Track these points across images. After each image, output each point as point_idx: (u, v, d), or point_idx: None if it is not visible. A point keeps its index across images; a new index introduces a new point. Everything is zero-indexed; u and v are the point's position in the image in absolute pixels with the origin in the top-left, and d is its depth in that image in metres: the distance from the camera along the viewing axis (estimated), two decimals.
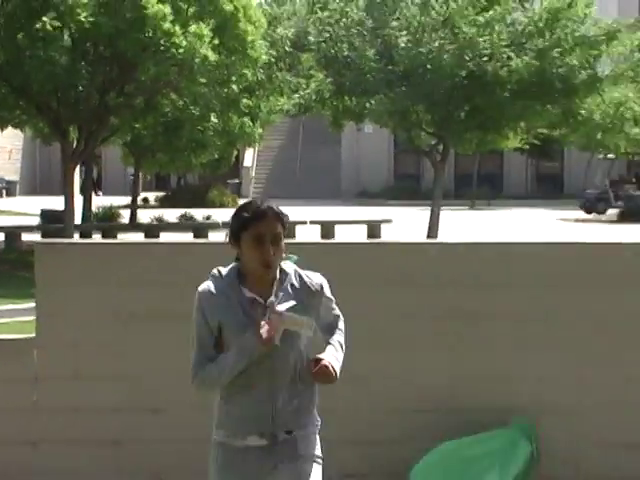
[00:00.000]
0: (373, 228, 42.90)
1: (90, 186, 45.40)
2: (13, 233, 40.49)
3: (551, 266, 10.36)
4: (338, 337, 6.23)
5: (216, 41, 32.93)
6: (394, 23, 37.76)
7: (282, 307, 5.92)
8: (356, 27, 38.19)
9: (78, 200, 41.21)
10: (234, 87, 36.83)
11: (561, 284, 9.85)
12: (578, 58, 37.31)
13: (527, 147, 58.34)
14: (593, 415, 10.19)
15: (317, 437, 6.28)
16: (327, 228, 42.15)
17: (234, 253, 6.05)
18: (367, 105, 38.66)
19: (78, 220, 40.22)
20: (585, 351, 10.16)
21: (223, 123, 40.92)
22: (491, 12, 37.38)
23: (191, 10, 33.19)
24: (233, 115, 40.68)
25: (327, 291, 6.14)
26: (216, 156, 48.58)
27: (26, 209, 57.76)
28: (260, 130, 45.12)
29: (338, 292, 6.40)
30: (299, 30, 40.97)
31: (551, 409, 10.24)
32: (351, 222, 45.24)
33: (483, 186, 73.79)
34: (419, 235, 38.74)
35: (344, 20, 38.38)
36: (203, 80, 34.79)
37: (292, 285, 6.01)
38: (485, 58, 36.73)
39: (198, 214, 52.01)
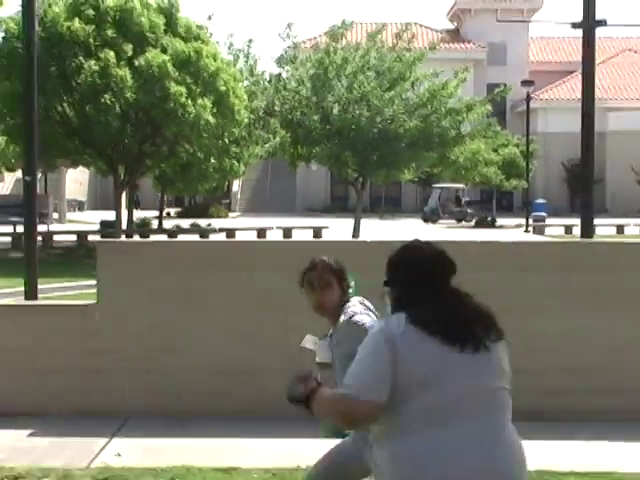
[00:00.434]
0: (317, 232, 46.00)
1: (132, 204, 45.91)
2: (82, 235, 43.81)
3: None
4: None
5: (214, 110, 37.70)
6: (330, 98, 42.67)
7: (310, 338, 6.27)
8: (305, 101, 43.33)
9: (124, 213, 43.47)
10: (226, 140, 41.34)
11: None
12: (449, 122, 43.36)
13: (417, 179, 60.10)
14: None
15: None
16: (287, 231, 45.60)
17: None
18: (313, 151, 44.36)
19: (124, 226, 42.30)
20: None
21: (219, 164, 44.12)
22: (392, 92, 42.83)
23: (198, 90, 37.27)
24: (225, 159, 44.11)
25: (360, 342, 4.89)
26: (214, 185, 50.92)
27: (91, 219, 60.17)
28: (243, 168, 48.25)
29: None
30: (268, 102, 44.59)
31: None
32: (302, 227, 48.47)
33: (388, 204, 78.30)
34: (347, 236, 41.21)
35: (297, 96, 43.52)
36: (206, 135, 39.16)
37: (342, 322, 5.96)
38: (389, 121, 42.35)
39: (202, 223, 54.66)
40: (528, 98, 59.09)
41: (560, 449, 9.65)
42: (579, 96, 17.80)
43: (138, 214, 51.19)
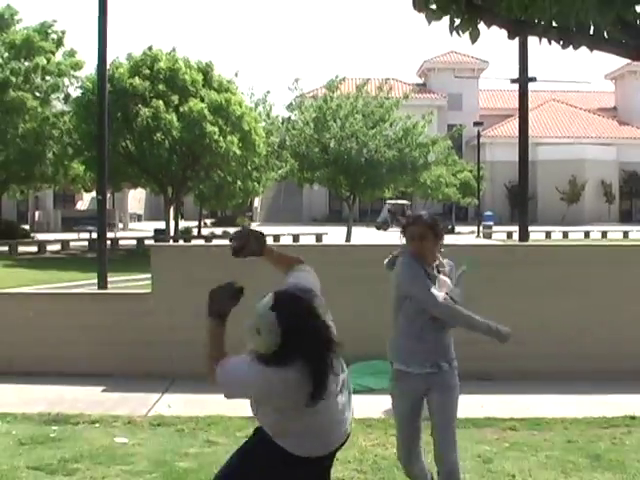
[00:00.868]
0: (318, 237, 45.63)
1: (178, 216, 44.96)
2: (140, 240, 42.52)
3: None
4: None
5: (240, 144, 38.03)
6: (327, 135, 42.55)
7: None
8: (309, 138, 43.25)
9: (172, 223, 42.84)
10: (249, 167, 41.69)
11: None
12: (418, 153, 43.51)
13: (395, 196, 56.79)
14: None
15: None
16: (295, 237, 44.81)
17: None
18: (315, 175, 44.79)
19: (172, 233, 42.13)
20: None
21: (244, 185, 43.91)
22: (375, 130, 42.80)
23: (228, 129, 37.56)
24: (248, 181, 43.92)
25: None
26: (240, 201, 49.99)
27: (147, 228, 58.54)
28: (262, 188, 48.28)
29: None
30: (281, 139, 44.50)
31: None
32: (307, 234, 47.62)
33: (374, 215, 72.46)
34: (341, 240, 39.96)
35: (303, 134, 43.46)
36: (233, 164, 39.66)
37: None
38: (373, 152, 42.09)
39: (231, 230, 46.80)
40: (478, 135, 59.16)
41: (502, 401, 9.67)
42: (517, 134, 17.82)
43: (182, 224, 50.22)
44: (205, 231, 54.05)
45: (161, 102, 36.58)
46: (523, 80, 17.62)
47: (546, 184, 77.25)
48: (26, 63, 41.83)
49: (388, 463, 7.42)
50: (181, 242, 38.61)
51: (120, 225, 62.53)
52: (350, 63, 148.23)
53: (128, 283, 22.49)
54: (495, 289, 10.74)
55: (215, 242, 39.60)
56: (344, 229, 45.43)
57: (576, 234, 52.64)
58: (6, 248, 38.95)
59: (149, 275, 11.64)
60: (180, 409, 9.44)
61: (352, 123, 42.58)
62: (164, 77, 37.95)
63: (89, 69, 44.86)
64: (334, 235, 46.40)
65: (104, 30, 16.97)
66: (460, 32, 5.28)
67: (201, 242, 40.64)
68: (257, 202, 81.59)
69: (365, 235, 49.80)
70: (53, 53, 43.07)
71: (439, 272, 5.80)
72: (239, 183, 43.77)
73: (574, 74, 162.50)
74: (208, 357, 4.52)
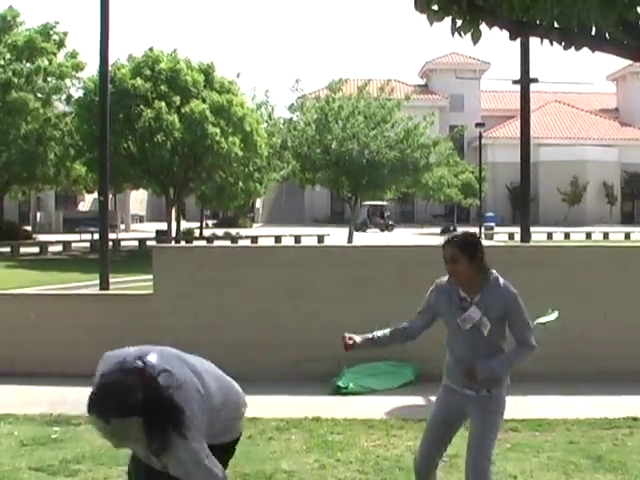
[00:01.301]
0: (320, 238, 46.70)
1: (179, 217, 45.25)
2: (142, 241, 43.79)
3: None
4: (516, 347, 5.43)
5: (242, 145, 38.33)
6: (329, 136, 41.66)
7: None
8: (311, 139, 42.26)
9: (174, 224, 42.83)
10: (251, 168, 42.09)
11: None
12: (420, 154, 42.67)
13: (396, 197, 57.65)
14: None
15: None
16: (297, 238, 45.94)
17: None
18: (317, 176, 43.91)
19: (173, 234, 42.09)
20: None
21: (245, 186, 44.62)
22: (376, 131, 41.72)
23: (229, 130, 37.79)
24: (250, 182, 44.60)
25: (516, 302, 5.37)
26: (242, 202, 50.45)
27: (149, 229, 59.26)
28: (264, 189, 49.18)
29: None
30: (283, 139, 43.61)
31: None
32: (309, 235, 48.68)
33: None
34: (343, 242, 40.26)
35: (305, 135, 42.45)
36: (235, 165, 40.01)
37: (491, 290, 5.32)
38: (374, 153, 41.29)
39: (233, 231, 53.96)
40: (480, 136, 58.89)
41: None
42: (518, 135, 17.76)
43: (184, 225, 50.74)
44: (207, 232, 54.13)
45: (163, 103, 36.78)
46: (525, 81, 17.57)
47: (548, 185, 77.26)
48: (28, 65, 42.14)
49: (390, 464, 7.41)
50: (183, 243, 38.59)
51: (122, 226, 62.54)
52: (352, 64, 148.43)
53: (130, 284, 22.46)
54: None
55: (217, 243, 40.71)
56: (346, 230, 45.38)
57: (578, 235, 52.71)
58: (8, 249, 39.06)
59: (151, 276, 11.62)
60: None
61: (354, 124, 42.22)
62: (166, 78, 38.21)
63: (91, 70, 45.90)
64: (336, 236, 46.37)
65: (106, 31, 16.95)
66: (462, 33, 5.30)
67: (203, 243, 40.91)
68: (259, 203, 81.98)
69: (367, 236, 50.41)
70: (55, 54, 43.35)
71: (470, 303, 5.44)
72: (241, 184, 43.99)
73: (576, 75, 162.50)
74: None
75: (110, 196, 37.04)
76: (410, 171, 43.29)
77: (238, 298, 11.11)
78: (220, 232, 53.82)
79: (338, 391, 10.07)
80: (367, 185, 43.29)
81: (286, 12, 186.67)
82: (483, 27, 5.33)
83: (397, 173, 42.80)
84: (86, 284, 22.35)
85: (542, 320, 5.98)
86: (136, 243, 44.05)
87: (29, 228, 55.94)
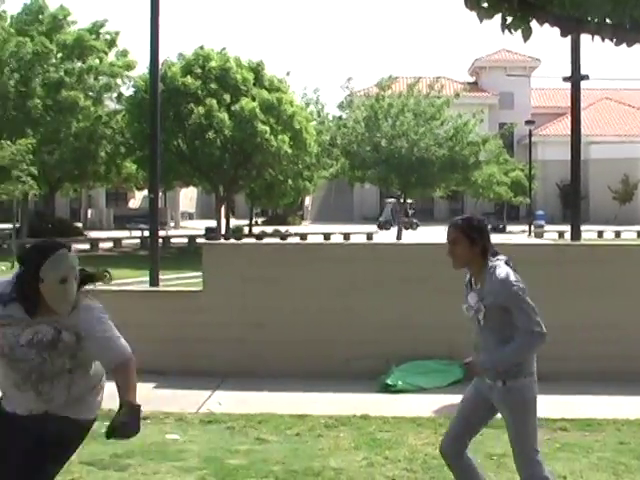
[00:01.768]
0: (369, 236, 46.82)
1: (229, 214, 45.28)
2: (192, 238, 43.81)
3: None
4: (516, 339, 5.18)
5: (291, 143, 38.51)
6: (379, 134, 42.76)
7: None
8: (360, 136, 43.41)
9: (223, 221, 43.53)
10: (300, 166, 42.15)
11: None
12: (469, 151, 43.28)
13: (446, 195, 57.08)
14: None
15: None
16: (346, 235, 45.69)
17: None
18: (366, 174, 44.69)
19: (223, 231, 42.92)
20: None
21: (295, 184, 44.39)
22: (425, 128, 42.81)
23: (279, 128, 38.12)
24: (299, 180, 44.45)
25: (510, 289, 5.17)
26: (291, 200, 49.93)
27: (198, 226, 58.14)
28: (313, 187, 48.76)
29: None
30: (332, 137, 44.72)
31: None
32: (358, 232, 48.54)
33: (426, 214, 75.28)
34: (392, 239, 41.59)
35: (354, 133, 43.68)
36: (285, 162, 40.06)
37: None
38: (424, 151, 42.06)
39: (282, 229, 53.75)
40: (530, 134, 59.02)
41: (553, 402, 9.32)
42: (569, 132, 17.65)
43: (233, 222, 50.71)
44: (256, 229, 54.43)
45: (214, 101, 37.09)
46: (575, 78, 17.45)
47: (598, 183, 76.42)
48: (79, 64, 42.51)
49: (438, 462, 7.25)
50: (232, 240, 38.15)
51: (172, 223, 63.16)
52: (401, 62, 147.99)
53: (180, 281, 22.51)
54: (549, 288, 10.38)
55: (266, 240, 40.50)
56: (394, 228, 45.58)
57: (628, 234, 52.43)
58: None
59: (200, 273, 11.64)
60: (231, 407, 9.42)
61: (403, 122, 42.67)
62: (215, 76, 38.51)
63: (141, 68, 46.13)
64: (385, 234, 47.08)
65: (156, 30, 17.16)
66: (512, 30, 5.27)
67: (252, 241, 40.88)
68: (308, 201, 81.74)
69: (415, 234, 50.01)
70: (106, 53, 43.78)
71: (471, 289, 5.48)
72: (290, 182, 44.03)
73: (627, 71, 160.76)
74: None
75: (160, 193, 36.92)
76: (459, 169, 43.70)
77: (287, 295, 11.01)
78: (269, 229, 54.07)
79: (387, 389, 10.04)
80: (416, 183, 43.82)
81: (336, 11, 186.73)
82: (533, 24, 5.30)
83: (446, 171, 43.21)
84: (136, 280, 22.38)
85: None
86: (186, 240, 44.35)
87: (80, 225, 56.34)
